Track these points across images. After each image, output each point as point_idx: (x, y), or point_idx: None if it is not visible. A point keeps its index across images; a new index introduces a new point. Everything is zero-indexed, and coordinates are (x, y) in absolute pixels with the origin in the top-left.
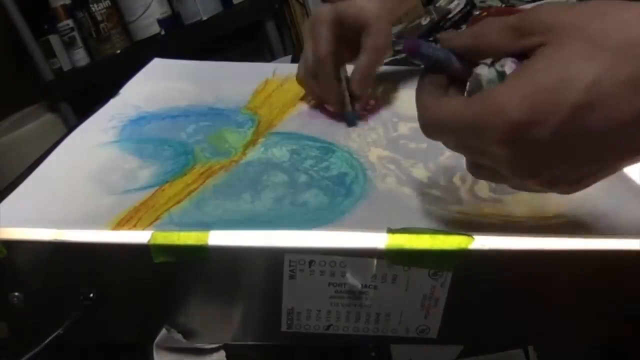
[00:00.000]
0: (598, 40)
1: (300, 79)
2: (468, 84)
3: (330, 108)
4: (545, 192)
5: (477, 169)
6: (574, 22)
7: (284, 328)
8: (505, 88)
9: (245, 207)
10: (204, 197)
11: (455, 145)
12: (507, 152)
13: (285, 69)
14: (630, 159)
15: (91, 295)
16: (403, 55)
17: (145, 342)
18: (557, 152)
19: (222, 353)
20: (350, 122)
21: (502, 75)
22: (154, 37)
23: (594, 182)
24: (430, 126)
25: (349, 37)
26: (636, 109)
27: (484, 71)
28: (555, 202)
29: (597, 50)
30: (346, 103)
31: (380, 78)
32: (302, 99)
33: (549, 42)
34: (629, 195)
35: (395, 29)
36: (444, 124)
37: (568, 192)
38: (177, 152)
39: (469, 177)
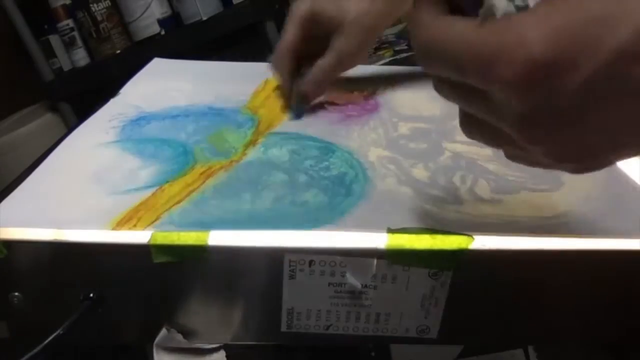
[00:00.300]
0: None
1: (271, 68)
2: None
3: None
4: (549, 166)
5: (471, 124)
6: None
7: (284, 328)
8: (530, 16)
9: (245, 207)
10: (204, 197)
11: (452, 83)
12: (519, 99)
13: None
14: None
15: (91, 295)
16: (403, 55)
17: (145, 342)
18: (582, 109)
19: (222, 353)
20: (294, 116)
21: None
22: (154, 37)
23: (616, 160)
24: (429, 48)
25: (323, 35)
26: None
27: (501, 3)
28: (555, 202)
29: None
30: (292, 96)
31: (381, 78)
32: None
33: None
34: (629, 195)
35: (395, 29)
36: (446, 46)
37: (577, 171)
38: (177, 152)
39: (469, 177)
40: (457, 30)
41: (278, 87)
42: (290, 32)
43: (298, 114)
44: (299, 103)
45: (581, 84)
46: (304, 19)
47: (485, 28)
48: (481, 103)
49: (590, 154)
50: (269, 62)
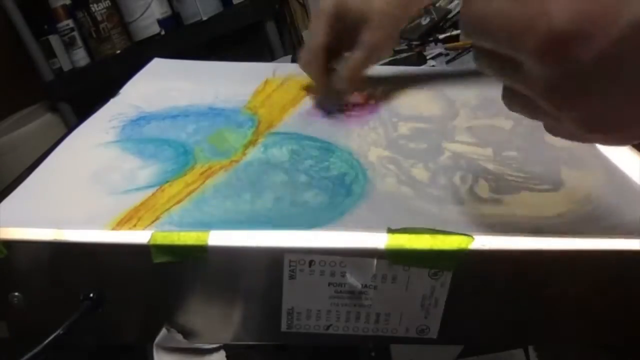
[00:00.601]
0: None
1: (301, 67)
2: None
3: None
4: (582, 137)
5: (511, 97)
6: None
7: (284, 328)
8: None
9: (245, 207)
10: (204, 197)
11: (489, 54)
12: (543, 67)
13: (285, 69)
14: None
15: (91, 295)
16: (403, 55)
17: (145, 342)
18: (603, 77)
19: (222, 353)
20: (326, 113)
21: None
22: (154, 37)
23: None
24: (470, 20)
25: (350, 30)
26: None
27: None
28: (555, 202)
29: None
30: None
31: (380, 78)
32: (302, 98)
33: None
34: (629, 195)
35: None
36: (485, 19)
37: (609, 142)
38: (177, 152)
39: (469, 177)
40: (495, 3)
41: (307, 87)
42: (320, 30)
43: (331, 110)
44: (334, 99)
45: (599, 53)
46: (331, 15)
47: (517, 0)
48: (514, 74)
49: (618, 123)
50: (299, 59)
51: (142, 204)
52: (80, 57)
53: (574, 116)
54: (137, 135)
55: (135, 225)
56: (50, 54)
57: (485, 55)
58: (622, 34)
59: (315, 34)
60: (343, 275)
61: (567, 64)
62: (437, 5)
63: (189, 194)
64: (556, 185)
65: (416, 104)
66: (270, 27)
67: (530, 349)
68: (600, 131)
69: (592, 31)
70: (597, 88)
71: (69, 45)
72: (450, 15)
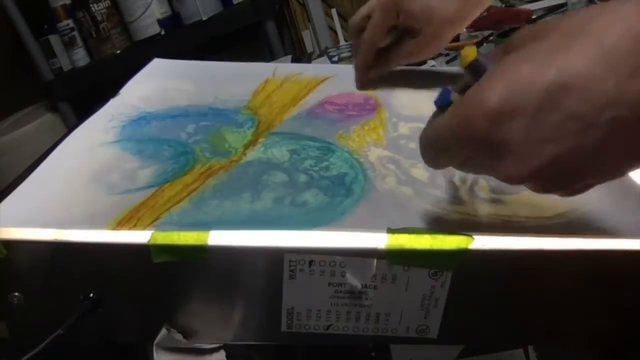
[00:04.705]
0: (568, 31)
1: (350, 27)
2: None
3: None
4: (542, 192)
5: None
6: (546, 26)
7: (284, 328)
8: (481, 84)
9: (245, 207)
10: (204, 197)
11: (451, 156)
12: (492, 146)
13: (285, 69)
14: (619, 155)
15: (91, 295)
16: None
17: (145, 342)
18: (538, 141)
19: (222, 353)
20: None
21: None
22: (154, 37)
23: (590, 182)
24: (427, 146)
25: (407, 24)
26: (610, 92)
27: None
28: (555, 202)
29: (568, 38)
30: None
31: (381, 78)
32: (302, 98)
33: (523, 44)
34: (629, 195)
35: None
36: (436, 136)
37: (565, 194)
38: (177, 152)
39: (469, 177)
40: (440, 121)
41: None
42: (375, 26)
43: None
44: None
45: (530, 120)
46: (389, 12)
47: (454, 106)
48: (475, 159)
49: (565, 181)
50: (351, 20)
51: (142, 204)
52: (80, 57)
53: (530, 175)
54: (137, 135)
55: (135, 225)
56: (50, 54)
57: (450, 158)
58: (544, 97)
59: (369, 29)
60: (343, 275)
61: (508, 134)
62: None
63: (189, 194)
64: None
65: (416, 104)
66: (270, 27)
67: (530, 349)
68: (554, 187)
69: (521, 102)
70: (537, 150)
71: (69, 45)
72: None
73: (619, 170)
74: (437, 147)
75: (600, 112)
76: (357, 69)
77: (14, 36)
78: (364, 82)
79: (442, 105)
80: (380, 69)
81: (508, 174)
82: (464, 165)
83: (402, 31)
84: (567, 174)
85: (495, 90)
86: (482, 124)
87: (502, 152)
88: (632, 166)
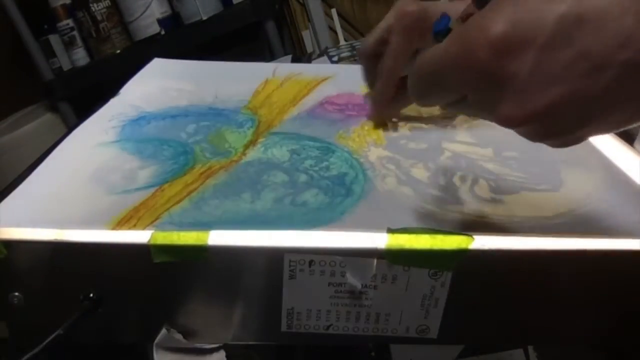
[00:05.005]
0: None
1: (361, 53)
2: None
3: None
4: (536, 139)
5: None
6: None
7: (284, 328)
8: (486, 11)
9: (245, 207)
10: (204, 197)
11: (444, 89)
12: (493, 80)
13: (285, 69)
14: (627, 104)
15: (91, 295)
16: None
17: (145, 342)
18: (545, 79)
19: (222, 353)
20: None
21: None
22: (154, 37)
23: (587, 133)
24: (419, 75)
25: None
26: (627, 31)
27: None
28: (555, 202)
29: None
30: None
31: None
32: (302, 98)
33: None
34: (629, 195)
35: None
36: (431, 64)
37: (557, 144)
38: (177, 152)
39: (469, 177)
40: (440, 46)
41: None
42: (396, 51)
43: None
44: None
45: (538, 50)
46: (411, 32)
47: (456, 32)
48: (474, 90)
49: (565, 127)
50: (360, 48)
51: (142, 204)
52: (80, 56)
53: (527, 115)
54: (137, 135)
55: (135, 225)
56: (50, 53)
57: (447, 88)
58: (555, 27)
59: (389, 56)
60: (343, 275)
61: (513, 65)
62: None
63: (188, 194)
64: (556, 185)
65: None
66: (270, 27)
67: (530, 349)
68: (550, 131)
69: (530, 31)
70: (543, 84)
71: (69, 45)
72: None
73: (623, 121)
74: (430, 78)
75: (614, 52)
76: (375, 104)
77: (14, 36)
78: (384, 119)
79: (440, 32)
80: (403, 102)
81: (506, 115)
82: (457, 104)
83: None
84: (568, 119)
85: (502, 18)
86: (484, 53)
87: (503, 88)
88: (630, 123)
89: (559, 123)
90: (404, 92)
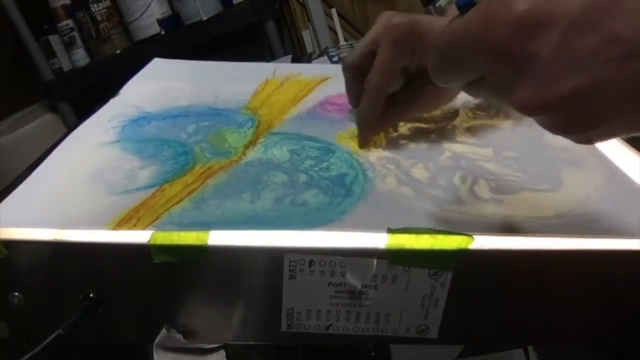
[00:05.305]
0: None
1: (345, 66)
2: None
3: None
4: (555, 131)
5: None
6: None
7: (284, 328)
8: None
9: (245, 207)
10: (204, 197)
11: (462, 67)
12: (512, 60)
13: (285, 69)
14: None
15: (91, 295)
16: None
17: (145, 342)
18: (568, 64)
19: (222, 353)
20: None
21: None
22: (154, 37)
23: (613, 130)
24: (438, 49)
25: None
26: None
27: None
28: (555, 202)
29: None
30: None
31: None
32: (302, 98)
33: None
34: (629, 195)
35: None
36: (451, 39)
37: (580, 139)
38: (177, 152)
39: (469, 177)
40: (454, 24)
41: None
42: (383, 68)
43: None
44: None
45: (560, 34)
46: (400, 47)
47: (478, 7)
48: (495, 70)
49: (584, 115)
50: (345, 61)
51: (142, 204)
52: (80, 57)
53: (545, 102)
54: (137, 135)
55: (135, 225)
56: (50, 54)
57: (465, 65)
58: (581, 11)
59: (375, 73)
60: (343, 275)
61: (534, 45)
62: (437, 5)
63: (189, 194)
64: (556, 185)
65: None
66: (270, 27)
67: (530, 349)
68: (570, 122)
69: (553, 13)
70: (564, 72)
71: (69, 45)
72: None
73: None
74: (450, 52)
75: None
76: (360, 123)
77: (14, 36)
78: (370, 139)
79: (465, 5)
80: (390, 122)
81: (524, 100)
82: (476, 85)
83: (415, 74)
84: (592, 111)
85: None
86: (504, 31)
87: (523, 70)
88: None
89: (582, 114)
90: (392, 110)
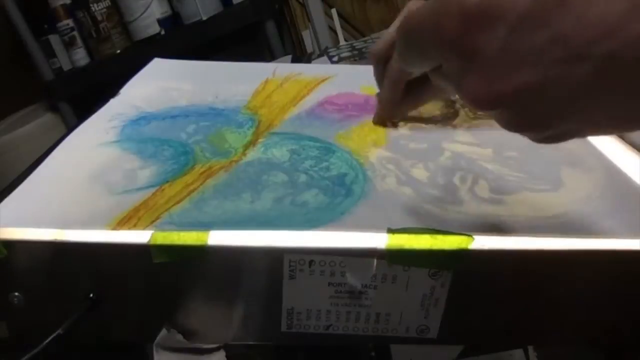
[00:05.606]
0: None
1: (371, 55)
2: None
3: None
4: (510, 128)
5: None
6: None
7: (284, 328)
8: None
9: (245, 207)
10: (204, 197)
11: (421, 53)
12: (461, 52)
13: (285, 69)
14: (604, 104)
15: (91, 295)
16: None
17: (145, 342)
18: (513, 60)
19: (222, 353)
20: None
21: None
22: (154, 37)
23: (565, 131)
24: (400, 31)
25: None
26: (613, 21)
27: None
28: (555, 202)
29: None
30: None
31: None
32: (302, 98)
33: None
34: (629, 195)
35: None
36: (410, 22)
37: (536, 138)
38: (177, 152)
39: (469, 177)
40: (418, 7)
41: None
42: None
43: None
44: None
45: (511, 30)
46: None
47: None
48: (449, 61)
49: (538, 116)
50: (371, 50)
51: (142, 204)
52: (80, 57)
53: (495, 97)
54: (137, 135)
55: (135, 225)
56: (50, 54)
57: (419, 52)
58: (529, 7)
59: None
60: (343, 275)
61: (482, 38)
62: None
63: (189, 194)
64: (556, 185)
65: None
66: (270, 27)
67: (530, 349)
68: (519, 118)
69: (501, 7)
70: (514, 66)
71: (69, 45)
72: None
73: (602, 125)
74: (409, 39)
75: (596, 41)
76: (380, 104)
77: (14, 36)
78: (386, 119)
79: None
80: (410, 105)
81: (472, 92)
82: (437, 73)
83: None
84: (538, 110)
85: None
86: (453, 23)
87: (470, 63)
88: (616, 125)
89: (530, 112)
90: (411, 95)
